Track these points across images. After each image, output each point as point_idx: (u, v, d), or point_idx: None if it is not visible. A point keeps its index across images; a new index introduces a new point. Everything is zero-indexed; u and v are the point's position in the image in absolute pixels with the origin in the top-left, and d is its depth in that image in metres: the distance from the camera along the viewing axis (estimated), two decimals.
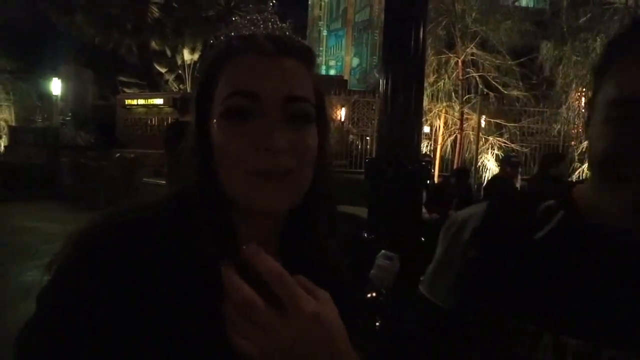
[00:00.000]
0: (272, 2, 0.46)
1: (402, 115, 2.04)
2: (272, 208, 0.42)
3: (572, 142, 8.24)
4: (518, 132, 8.51)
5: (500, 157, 6.97)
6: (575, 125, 8.05)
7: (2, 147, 10.46)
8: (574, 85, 7.86)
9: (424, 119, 8.89)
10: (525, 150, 8.31)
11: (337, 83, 15.28)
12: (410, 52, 1.99)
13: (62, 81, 11.36)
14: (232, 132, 0.42)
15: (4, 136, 11.43)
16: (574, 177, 7.02)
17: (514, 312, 0.48)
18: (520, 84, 8.27)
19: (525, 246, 0.49)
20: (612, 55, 0.48)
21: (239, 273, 0.36)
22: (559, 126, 8.26)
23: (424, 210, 4.11)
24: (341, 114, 9.35)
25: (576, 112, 7.97)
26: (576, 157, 7.73)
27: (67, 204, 8.44)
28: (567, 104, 7.96)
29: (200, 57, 11.49)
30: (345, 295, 0.42)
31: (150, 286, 0.40)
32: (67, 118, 11.81)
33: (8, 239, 5.81)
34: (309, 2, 35.52)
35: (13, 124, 12.54)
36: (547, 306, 0.47)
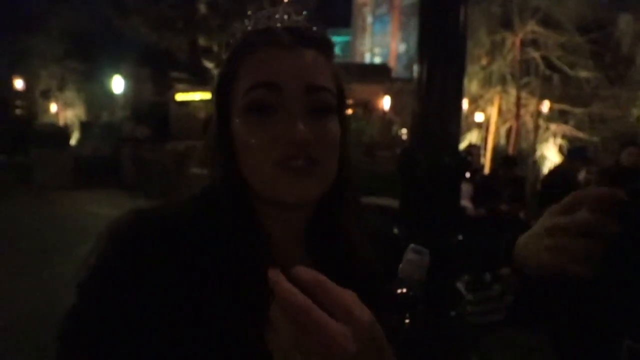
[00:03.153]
0: None
1: (439, 103, 1.86)
2: (301, 199, 0.42)
3: None
4: (587, 119, 7.57)
5: (564, 147, 6.25)
6: None
7: (76, 141, 11.78)
8: None
9: (474, 106, 8.25)
10: (595, 139, 7.34)
11: (380, 71, 14.76)
12: (448, 34, 1.79)
13: (123, 79, 12.42)
14: (255, 127, 0.42)
15: (76, 131, 12.86)
16: None
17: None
18: (591, 63, 7.30)
19: None
20: None
21: None
22: (638, 112, 7.20)
23: (470, 205, 3.83)
24: (384, 103, 9.04)
25: None
26: None
27: (127, 192, 9.24)
28: None
29: None
30: (377, 289, 0.40)
31: (183, 280, 0.40)
32: (128, 113, 12.93)
33: (77, 223, 6.51)
34: None
35: (84, 119, 14.10)
36: None
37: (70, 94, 14.22)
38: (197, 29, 12.07)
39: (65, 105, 14.47)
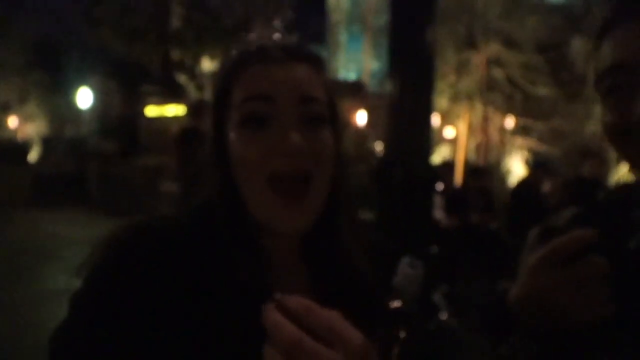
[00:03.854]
0: (278, 20, 0.45)
1: (411, 116, 1.92)
2: (293, 230, 0.43)
3: None
4: (548, 133, 8.04)
5: (530, 160, 6.56)
6: None
7: (36, 157, 11.11)
8: None
9: (444, 121, 8.58)
10: (557, 152, 7.79)
11: (354, 87, 15.17)
12: (418, 53, 1.89)
13: (90, 92, 11.96)
14: (250, 139, 0.43)
15: (36, 147, 12.14)
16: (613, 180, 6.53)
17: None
18: (550, 81, 7.82)
19: (616, 256, 0.44)
20: (601, 32, 0.46)
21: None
22: (593, 126, 7.72)
23: (443, 216, 3.91)
24: (358, 118, 9.23)
25: None
26: (615, 159, 7.21)
27: (93, 210, 8.75)
28: None
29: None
30: (373, 303, 0.41)
31: (178, 295, 0.40)
32: (94, 127, 12.41)
33: (36, 244, 6.06)
34: (328, 8, 35.83)
35: (46, 134, 13.36)
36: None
37: (31, 107, 13.49)
38: (171, 42, 11.95)
39: (25, 119, 13.69)
